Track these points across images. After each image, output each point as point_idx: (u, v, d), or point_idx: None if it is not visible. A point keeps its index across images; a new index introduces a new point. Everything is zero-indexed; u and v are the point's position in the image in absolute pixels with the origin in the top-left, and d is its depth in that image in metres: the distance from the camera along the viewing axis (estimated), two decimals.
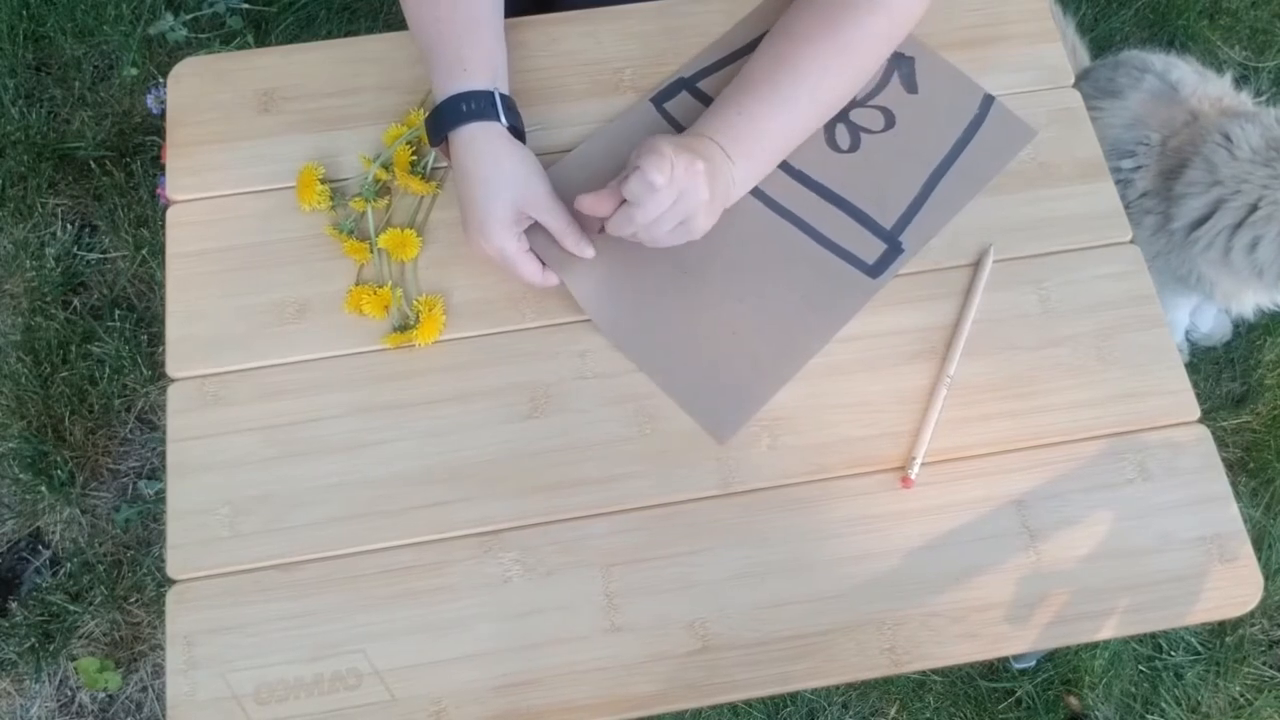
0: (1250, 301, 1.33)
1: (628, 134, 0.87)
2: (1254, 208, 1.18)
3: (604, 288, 0.81)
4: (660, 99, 0.89)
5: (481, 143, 0.77)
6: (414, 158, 0.86)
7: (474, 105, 0.77)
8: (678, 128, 0.87)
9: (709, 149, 0.78)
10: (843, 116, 0.88)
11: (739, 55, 0.90)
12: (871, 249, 0.84)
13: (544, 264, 0.80)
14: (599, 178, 0.83)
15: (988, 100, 0.90)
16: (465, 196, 0.78)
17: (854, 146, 0.87)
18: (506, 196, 0.77)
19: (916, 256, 0.84)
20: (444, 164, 0.87)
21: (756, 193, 0.85)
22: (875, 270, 0.83)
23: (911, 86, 0.90)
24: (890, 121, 0.89)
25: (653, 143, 0.74)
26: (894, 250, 0.84)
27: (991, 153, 0.88)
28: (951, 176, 0.87)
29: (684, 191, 0.74)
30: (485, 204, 0.77)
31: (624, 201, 0.75)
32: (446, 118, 0.78)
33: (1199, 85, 1.33)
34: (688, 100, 0.89)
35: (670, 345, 0.80)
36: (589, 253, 0.79)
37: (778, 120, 0.81)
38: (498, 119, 0.78)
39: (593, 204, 0.76)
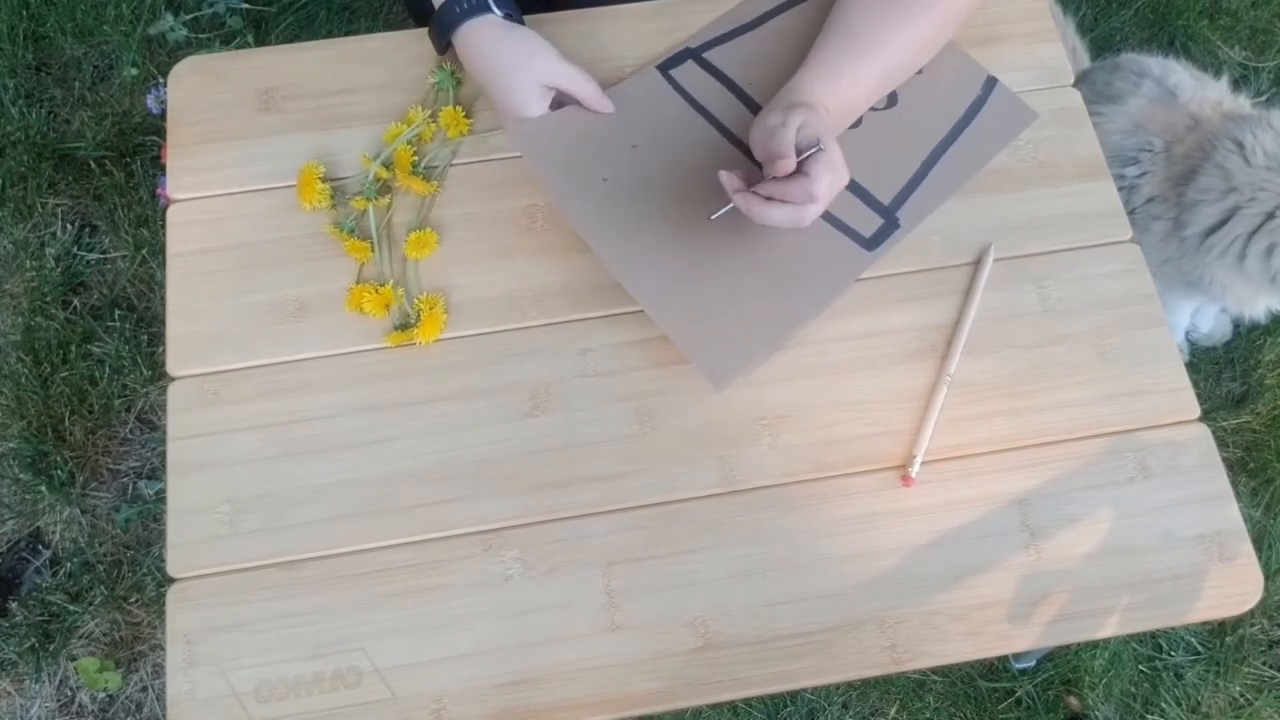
0: (1262, 305, 1.34)
1: (633, 99, 0.88)
2: (1271, 215, 1.19)
3: (608, 223, 0.81)
4: (666, 65, 0.90)
5: (482, 37, 0.80)
6: (414, 157, 0.86)
7: (468, 4, 0.80)
8: (685, 96, 0.88)
9: (825, 119, 0.78)
10: None
11: (747, 29, 0.91)
12: (868, 223, 0.85)
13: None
14: (599, 135, 0.85)
15: (990, 82, 0.90)
16: (488, 91, 0.81)
17: (856, 123, 0.88)
18: (523, 77, 0.80)
19: (917, 255, 0.84)
20: (443, 163, 0.87)
21: (756, 162, 0.85)
22: (871, 244, 0.84)
23: None
24: (892, 100, 0.89)
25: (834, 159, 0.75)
26: (890, 225, 0.85)
27: (992, 134, 0.89)
28: (951, 156, 0.87)
29: (834, 180, 0.74)
30: (508, 91, 0.80)
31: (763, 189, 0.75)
32: (445, 23, 0.81)
33: (1197, 89, 1.33)
34: (694, 70, 0.90)
35: (672, 288, 0.80)
36: (609, 107, 0.83)
37: (874, 89, 0.83)
38: (491, 10, 0.81)
39: (741, 184, 0.76)
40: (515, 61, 0.80)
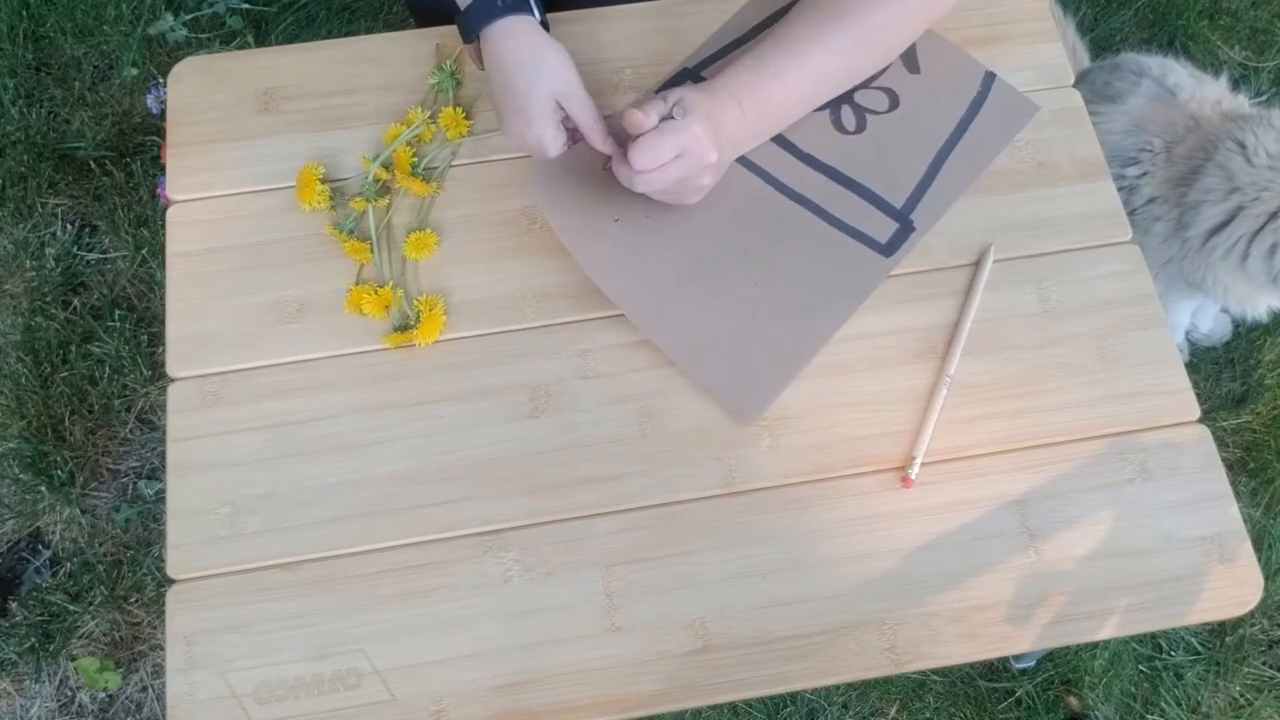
0: (1263, 304, 1.34)
1: None
2: (1274, 215, 1.19)
3: (622, 271, 0.81)
4: (663, 89, 0.89)
5: (519, 35, 0.79)
6: (414, 159, 0.86)
7: (509, 0, 0.79)
8: None
9: (727, 106, 0.78)
10: (847, 98, 0.89)
11: (741, 43, 0.91)
12: (883, 228, 0.84)
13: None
14: (608, 173, 0.83)
15: (989, 77, 0.90)
16: (504, 86, 0.79)
17: (860, 128, 0.88)
18: (547, 84, 0.78)
19: (918, 256, 0.84)
20: (443, 164, 0.87)
21: (767, 177, 0.85)
22: (888, 249, 0.84)
23: (913, 66, 0.90)
24: (894, 102, 0.89)
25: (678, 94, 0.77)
26: (906, 229, 0.84)
27: (996, 129, 0.89)
28: (958, 154, 0.87)
29: (686, 150, 0.75)
30: (527, 91, 0.78)
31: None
32: (481, 11, 0.79)
33: (1196, 89, 1.33)
34: None
35: (691, 330, 0.80)
36: (608, 149, 0.80)
37: (803, 88, 0.82)
38: (531, 12, 0.80)
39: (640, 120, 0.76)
40: (542, 67, 0.79)
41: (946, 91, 0.90)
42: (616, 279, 0.81)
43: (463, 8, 0.81)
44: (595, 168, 0.83)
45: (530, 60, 0.79)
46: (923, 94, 0.89)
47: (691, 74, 0.90)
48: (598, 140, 0.80)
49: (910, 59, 0.90)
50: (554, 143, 0.80)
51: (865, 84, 0.89)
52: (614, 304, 0.81)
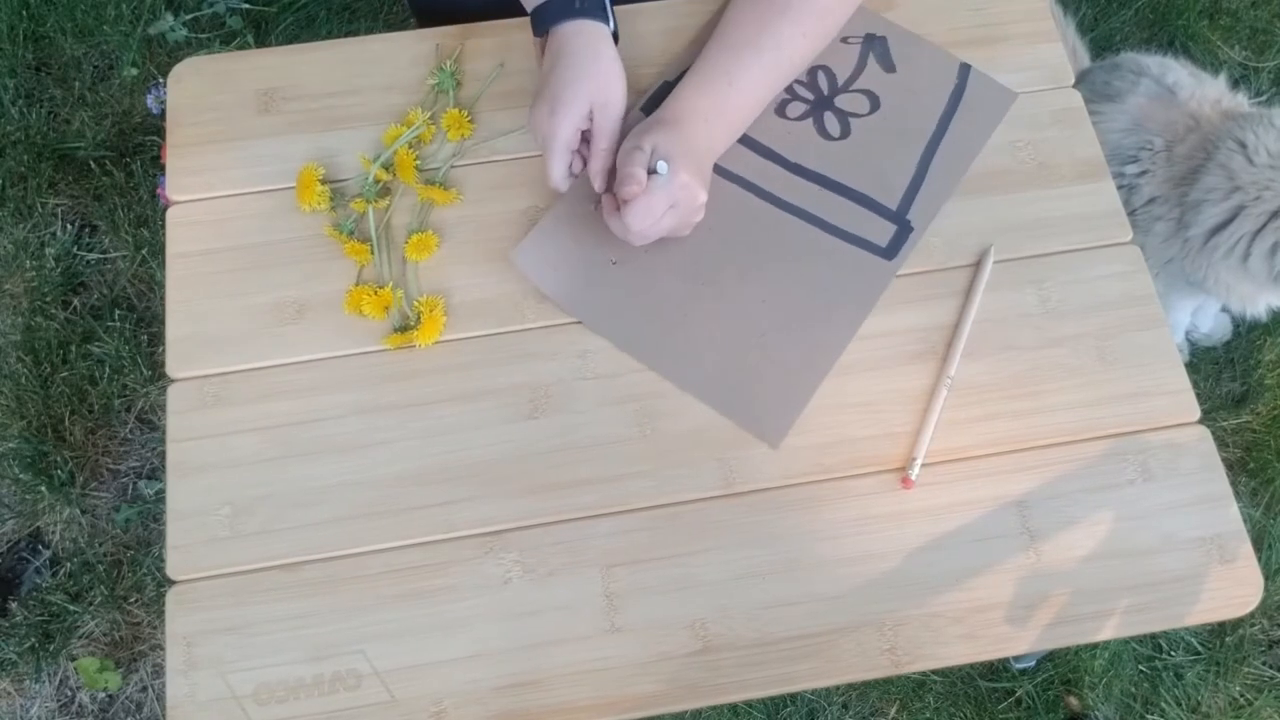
0: (1264, 303, 1.34)
1: None
2: (1275, 214, 1.19)
3: (627, 316, 0.81)
4: (649, 106, 0.88)
5: (588, 37, 0.80)
6: (416, 159, 0.86)
7: (585, 3, 0.80)
8: None
9: (697, 130, 0.79)
10: (828, 104, 0.89)
11: None
12: (882, 231, 0.84)
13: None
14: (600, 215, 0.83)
15: (965, 69, 0.90)
16: (550, 72, 0.80)
17: (845, 133, 0.88)
18: (590, 86, 0.79)
19: (918, 257, 0.84)
20: (443, 165, 0.87)
21: (759, 192, 0.85)
22: (889, 252, 0.84)
23: (889, 66, 0.90)
24: (875, 104, 0.89)
25: (642, 142, 0.77)
26: (904, 230, 0.84)
27: (979, 120, 0.89)
28: (945, 149, 0.87)
29: (677, 201, 0.77)
30: (569, 84, 0.78)
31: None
32: (557, 9, 0.80)
33: (1195, 88, 1.33)
34: None
35: (704, 360, 0.80)
36: (599, 186, 0.81)
37: (760, 87, 0.83)
38: (606, 21, 0.81)
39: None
40: (594, 69, 0.79)
41: (925, 88, 0.90)
42: (623, 325, 0.81)
43: (537, 3, 0.81)
44: (585, 211, 0.83)
45: (586, 59, 0.79)
46: (902, 93, 0.89)
47: (672, 86, 0.89)
48: (596, 164, 0.80)
49: (885, 58, 0.90)
50: (563, 145, 0.79)
51: (844, 88, 0.89)
52: (624, 351, 0.81)
